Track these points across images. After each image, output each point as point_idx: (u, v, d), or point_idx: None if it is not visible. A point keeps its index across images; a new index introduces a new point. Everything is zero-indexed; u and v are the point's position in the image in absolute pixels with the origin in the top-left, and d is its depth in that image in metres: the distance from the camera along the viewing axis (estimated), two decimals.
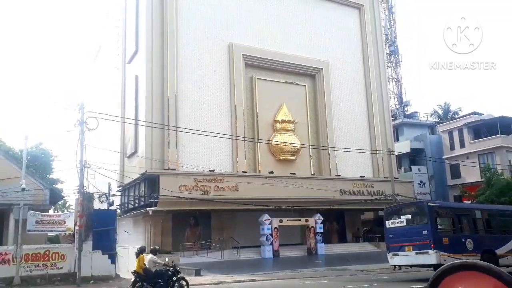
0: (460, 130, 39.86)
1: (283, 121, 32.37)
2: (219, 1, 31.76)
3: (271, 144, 31.65)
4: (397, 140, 43.12)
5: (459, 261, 2.42)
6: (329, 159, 33.35)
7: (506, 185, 29.65)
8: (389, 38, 52.24)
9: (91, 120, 24.16)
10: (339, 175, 33.05)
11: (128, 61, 33.14)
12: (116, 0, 38.71)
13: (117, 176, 30.90)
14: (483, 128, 38.62)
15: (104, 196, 27.19)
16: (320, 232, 30.76)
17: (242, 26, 32.38)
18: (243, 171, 29.54)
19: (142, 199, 27.85)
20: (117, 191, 31.45)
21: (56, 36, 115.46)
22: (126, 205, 31.24)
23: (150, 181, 27.05)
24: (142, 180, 27.81)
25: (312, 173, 32.96)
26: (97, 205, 25.09)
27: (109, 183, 30.42)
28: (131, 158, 30.55)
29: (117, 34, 37.00)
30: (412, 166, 41.64)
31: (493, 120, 38.15)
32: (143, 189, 28.05)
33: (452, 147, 40.37)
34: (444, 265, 2.43)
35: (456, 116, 47.90)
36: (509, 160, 35.31)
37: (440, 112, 52.57)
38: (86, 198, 24.35)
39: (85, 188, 24.09)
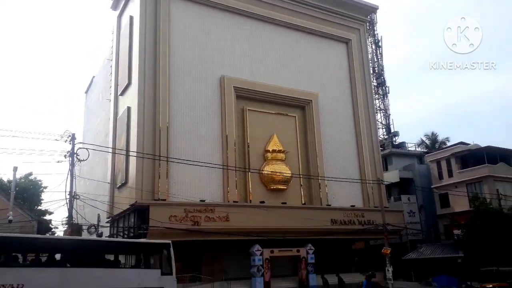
0: (448, 160, 40.47)
1: (274, 151, 32.67)
2: (211, 35, 32.58)
3: (262, 173, 31.82)
4: (386, 169, 43.55)
5: None
6: (320, 188, 33.53)
7: (495, 214, 29.97)
8: (377, 71, 53.65)
9: (81, 151, 24.31)
10: (330, 205, 33.17)
11: (120, 93, 33.51)
12: (108, 33, 39.48)
13: (106, 207, 30.70)
14: (470, 158, 39.27)
15: (93, 227, 26.94)
16: (312, 263, 30.55)
17: (234, 59, 33.12)
18: (234, 201, 29.51)
19: (132, 230, 27.58)
20: (106, 222, 31.12)
21: (47, 67, 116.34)
22: (115, 236, 30.81)
23: (140, 212, 26.86)
24: (132, 211, 27.61)
25: (303, 202, 33.04)
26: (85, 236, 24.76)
27: (99, 214, 30.21)
28: (121, 189, 30.43)
29: (110, 67, 37.54)
30: (402, 196, 41.92)
31: (480, 150, 38.87)
32: (132, 220, 27.79)
33: (440, 177, 40.85)
34: None
35: (444, 146, 48.72)
36: (497, 189, 35.75)
37: (428, 142, 53.47)
38: (75, 229, 24.14)
39: (74, 219, 23.91)
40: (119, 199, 29.47)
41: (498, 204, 33.04)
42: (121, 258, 16.37)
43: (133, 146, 28.37)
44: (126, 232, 28.61)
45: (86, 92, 52.60)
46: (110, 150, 31.22)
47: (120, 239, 17.25)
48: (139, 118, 28.60)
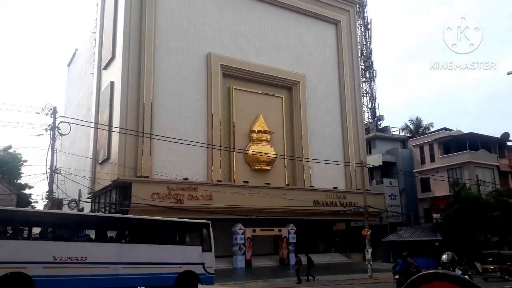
0: (431, 145, 40.91)
1: (259, 131, 32.53)
2: (199, 11, 31.85)
3: (247, 154, 31.73)
4: (370, 153, 43.87)
5: (430, 271, 2.51)
6: (304, 170, 33.66)
7: (474, 199, 30.53)
8: (365, 54, 53.41)
9: (63, 125, 23.72)
10: (313, 186, 33.37)
11: (104, 67, 32.73)
12: (93, 5, 38.21)
13: (88, 182, 30.31)
14: (453, 144, 39.77)
15: (74, 202, 26.59)
16: (293, 243, 30.88)
17: (221, 36, 32.53)
18: (218, 180, 29.44)
19: (114, 206, 27.33)
20: (87, 197, 30.78)
21: (29, 39, 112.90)
22: (97, 212, 30.54)
23: (122, 188, 26.61)
24: (114, 187, 27.34)
25: (287, 183, 33.16)
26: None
27: (80, 189, 29.80)
28: (103, 165, 30.01)
29: (94, 40, 36.50)
30: (384, 179, 42.40)
31: (462, 136, 39.36)
32: (114, 196, 27.56)
33: (422, 161, 41.37)
34: (418, 274, 2.52)
35: (427, 132, 49.17)
36: (477, 175, 36.39)
37: (412, 127, 53.89)
38: (55, 204, 23.74)
39: (54, 194, 23.50)
40: (101, 175, 29.11)
41: (477, 190, 33.66)
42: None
43: (116, 122, 27.88)
44: (107, 208, 28.38)
45: (69, 65, 51.27)
46: (93, 125, 30.62)
47: (167, 218, 18.36)
48: (123, 93, 28.05)
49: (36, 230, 14.65)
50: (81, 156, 32.56)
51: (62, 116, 24.01)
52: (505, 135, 41.04)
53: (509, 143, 42.57)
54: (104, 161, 29.85)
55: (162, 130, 27.45)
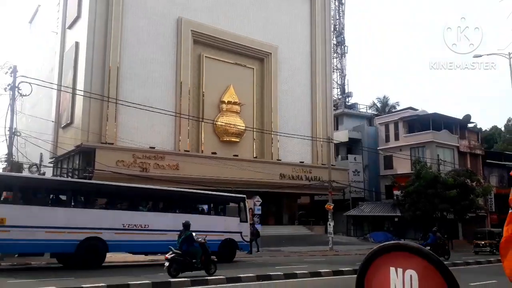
0: (396, 124, 41.86)
1: (229, 102, 32.22)
2: None
3: (216, 124, 31.46)
4: (337, 129, 44.49)
5: (392, 242, 2.53)
6: (272, 143, 33.79)
7: (433, 178, 31.68)
8: (337, 29, 53.35)
9: (24, 86, 22.61)
10: (280, 160, 33.65)
11: (68, 26, 31.21)
12: None
13: (50, 146, 29.34)
14: (417, 123, 40.83)
15: (34, 166, 25.74)
16: (258, 214, 31.25)
17: (193, 1, 31.53)
18: (185, 150, 29.16)
19: (77, 172, 26.68)
20: (49, 162, 29.86)
21: None
22: (59, 177, 29.77)
23: (86, 154, 25.94)
24: (77, 152, 26.61)
25: (255, 156, 33.26)
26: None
27: (41, 153, 28.89)
28: (66, 129, 29.06)
29: None
30: (349, 155, 43.28)
31: (427, 116, 40.42)
32: (78, 162, 26.87)
33: (387, 139, 42.36)
34: (377, 246, 2.53)
35: (393, 110, 50.20)
36: (438, 155, 37.65)
37: (379, 105, 54.86)
38: (14, 168, 22.89)
39: (13, 157, 22.62)
40: (64, 139, 28.16)
41: (437, 169, 34.88)
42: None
43: (81, 85, 26.86)
44: (70, 174, 27.69)
45: (31, 22, 48.60)
46: (55, 87, 29.37)
47: (212, 192, 20.42)
48: (88, 55, 26.95)
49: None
50: (43, 119, 31.32)
51: (22, 76, 22.83)
52: (467, 117, 42.56)
53: (470, 125, 44.20)
54: (67, 125, 28.89)
55: (128, 95, 26.65)
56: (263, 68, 34.95)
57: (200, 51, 31.74)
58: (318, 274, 13.57)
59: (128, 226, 15.40)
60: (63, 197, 15.36)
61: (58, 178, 16.98)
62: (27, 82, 22.41)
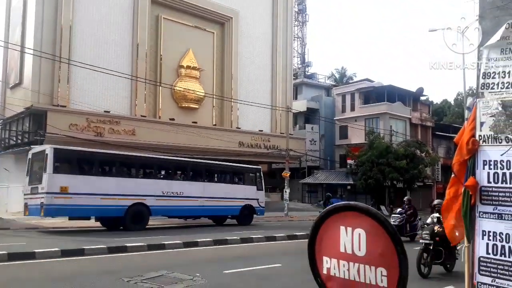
0: (352, 95, 42.75)
1: (188, 67, 31.55)
2: None
3: (174, 90, 30.83)
4: (296, 98, 44.89)
5: (343, 202, 2.65)
6: (232, 111, 33.66)
7: (385, 148, 32.97)
8: None
9: None
10: (240, 128, 33.69)
11: None
12: None
13: None
14: (373, 94, 41.89)
15: None
16: None
17: None
18: (142, 115, 28.52)
19: (26, 135, 25.55)
20: None
21: None
22: (7, 140, 28.39)
23: (37, 116, 24.82)
24: (27, 114, 25.40)
25: (214, 123, 33.08)
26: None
27: None
28: (15, 90, 27.56)
29: None
30: (306, 125, 44.00)
31: (382, 88, 41.49)
32: (27, 125, 25.69)
33: (343, 110, 43.30)
34: (329, 206, 2.65)
35: (351, 81, 51.13)
36: (391, 126, 39.03)
37: (337, 75, 55.68)
38: None
39: None
40: (12, 100, 26.69)
41: (389, 139, 36.26)
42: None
43: (30, 43, 25.32)
44: (20, 138, 26.50)
45: None
46: (2, 43, 27.56)
47: (234, 164, 23.13)
48: (38, 12, 25.33)
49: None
50: None
51: None
52: (420, 90, 44.00)
53: (422, 98, 45.87)
54: (16, 85, 27.37)
55: (81, 56, 25.39)
56: (223, 33, 34.30)
57: (158, 12, 30.61)
58: (273, 239, 14.04)
59: (167, 193, 17.82)
60: (114, 168, 17.33)
61: (110, 151, 18.37)
62: None
